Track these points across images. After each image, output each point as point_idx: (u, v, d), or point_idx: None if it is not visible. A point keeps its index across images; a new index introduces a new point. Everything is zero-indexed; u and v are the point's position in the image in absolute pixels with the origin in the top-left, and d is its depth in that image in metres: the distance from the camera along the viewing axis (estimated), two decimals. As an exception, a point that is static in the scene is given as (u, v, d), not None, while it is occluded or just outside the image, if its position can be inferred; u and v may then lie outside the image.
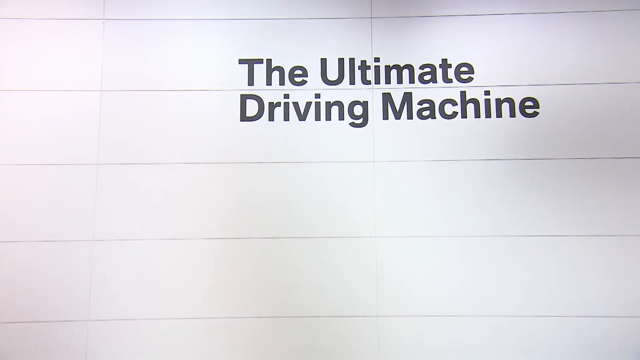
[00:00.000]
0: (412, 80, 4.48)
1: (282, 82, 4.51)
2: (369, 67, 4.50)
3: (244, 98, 4.49)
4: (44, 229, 4.24)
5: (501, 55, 4.49)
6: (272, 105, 4.48)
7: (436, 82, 4.47)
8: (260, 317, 4.19)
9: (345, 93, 4.48)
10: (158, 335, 4.18)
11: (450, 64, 4.49)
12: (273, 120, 4.48)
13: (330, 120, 4.47)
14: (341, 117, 4.46)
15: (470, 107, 4.43)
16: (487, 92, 4.43)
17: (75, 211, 4.28)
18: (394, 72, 4.50)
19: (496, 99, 4.43)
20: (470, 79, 4.47)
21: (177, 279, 4.26)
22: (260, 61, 4.52)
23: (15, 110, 4.37)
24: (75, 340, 4.15)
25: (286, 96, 4.50)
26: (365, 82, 4.50)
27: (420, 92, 4.47)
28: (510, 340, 4.11)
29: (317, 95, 4.49)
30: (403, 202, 4.35)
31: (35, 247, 4.21)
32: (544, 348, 4.07)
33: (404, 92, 4.46)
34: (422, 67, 4.49)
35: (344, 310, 4.21)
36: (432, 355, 4.13)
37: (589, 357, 4.03)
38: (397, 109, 4.46)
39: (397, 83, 4.49)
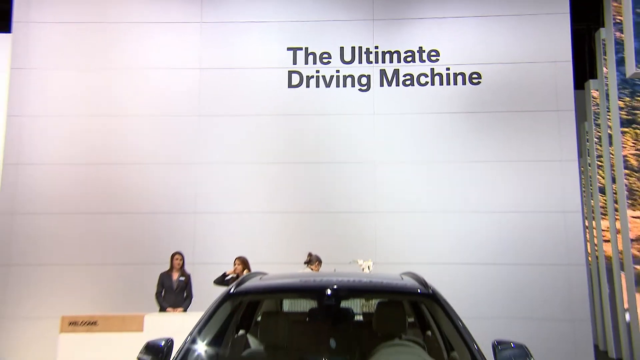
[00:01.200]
0: (399, 61, 6.84)
1: (314, 62, 6.88)
2: (371, 52, 6.86)
3: (290, 73, 6.87)
4: (165, 156, 6.70)
5: (457, 44, 6.83)
6: (308, 77, 6.87)
7: (415, 62, 6.82)
8: (299, 212, 6.65)
9: (356, 69, 6.85)
10: (238, 223, 6.65)
11: (424, 50, 6.83)
12: (309, 87, 6.86)
13: (345, 87, 6.84)
14: (352, 85, 6.84)
15: (437, 78, 6.79)
16: (448, 69, 6.79)
17: (183, 144, 6.75)
18: (387, 55, 6.85)
19: (454, 73, 6.78)
20: (437, 60, 6.82)
21: (248, 187, 6.72)
22: (300, 48, 6.89)
23: (145, 80, 6.82)
24: (187, 227, 6.64)
25: (317, 71, 6.88)
26: (369, 62, 6.87)
27: (404, 68, 6.83)
28: (457, 227, 6.53)
29: (337, 71, 6.87)
30: (393, 140, 6.75)
31: (163, 167, 6.70)
32: (480, 231, 6.49)
33: (394, 69, 6.83)
34: (405, 52, 6.84)
35: (355, 207, 6.64)
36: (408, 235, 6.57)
37: (507, 234, 6.45)
38: (389, 80, 6.83)
39: (389, 63, 6.85)
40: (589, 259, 8.58)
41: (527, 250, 6.44)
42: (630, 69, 5.88)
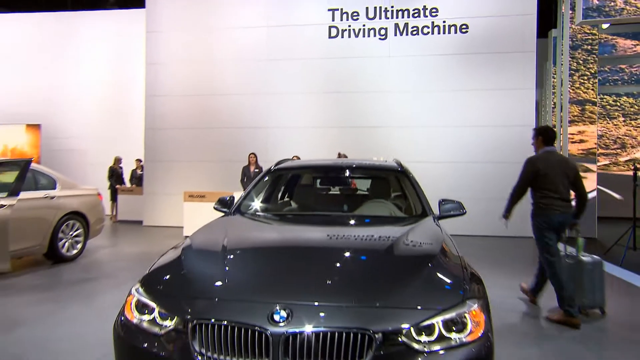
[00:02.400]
0: (408, 16, 9.38)
1: (347, 19, 9.60)
2: (388, 11, 9.44)
3: (329, 27, 9.67)
4: (246, 89, 9.96)
5: (452, 3, 9.20)
6: (342, 30, 9.64)
7: (420, 17, 9.33)
8: (336, 126, 9.73)
9: (377, 23, 9.50)
10: (294, 134, 9.90)
11: (427, 8, 9.29)
12: (343, 37, 9.65)
13: (369, 37, 9.55)
14: (374, 35, 9.53)
15: (436, 29, 9.30)
16: (444, 22, 9.25)
17: (258, 80, 9.94)
18: (400, 12, 9.40)
19: (448, 25, 9.24)
20: (436, 15, 9.27)
21: (300, 110, 9.87)
22: (337, 9, 9.61)
23: (233, 35, 9.97)
24: (260, 139, 9.98)
25: (349, 26, 9.61)
26: (386, 18, 9.47)
27: (412, 22, 9.38)
28: (447, 137, 9.33)
29: (364, 25, 9.56)
30: (403, 75, 9.49)
31: (246, 97, 9.99)
32: (463, 140, 9.26)
33: (404, 22, 9.40)
34: (413, 10, 9.35)
35: (374, 123, 9.60)
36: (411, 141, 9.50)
37: (483, 141, 9.19)
38: (401, 31, 9.44)
39: (402, 18, 9.41)
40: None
41: (496, 152, 9.17)
42: (578, 19, 8.11)
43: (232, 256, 2.17)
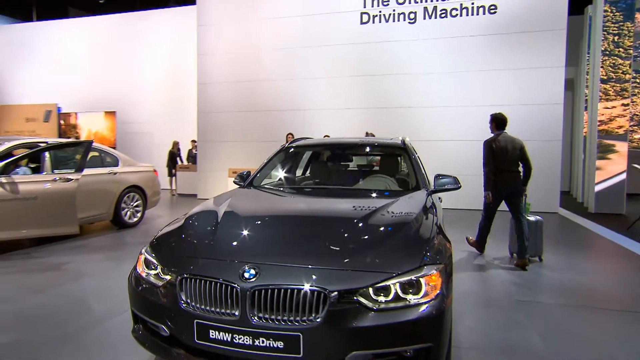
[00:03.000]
0: (437, 0, 9.12)
1: (378, 5, 9.51)
2: (417, -5, 9.23)
3: (361, 14, 9.64)
4: (285, 75, 10.24)
5: (481, -16, 8.82)
6: (373, 16, 9.58)
7: (448, 0, 9.04)
8: (366, 107, 9.81)
9: (406, 8, 9.33)
10: (328, 115, 10.10)
11: (455, -10, 8.98)
12: (374, 23, 9.60)
13: (399, 21, 9.43)
14: (404, 20, 9.39)
15: (464, 11, 8.98)
16: (472, 3, 8.90)
17: (296, 66, 10.18)
18: (429, -4, 9.17)
19: (477, 6, 8.89)
20: (465, -3, 8.94)
21: (335, 93, 10.02)
22: (369, -4, 9.55)
23: (276, 25, 10.23)
24: (298, 120, 10.29)
25: (380, 11, 9.53)
26: (416, 2, 9.27)
27: (441, 4, 9.12)
28: (473, 117, 9.11)
29: (394, 10, 9.43)
30: (431, 57, 9.31)
31: (286, 82, 10.29)
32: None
33: (433, 6, 9.16)
34: (441, -7, 9.08)
35: (403, 104, 9.57)
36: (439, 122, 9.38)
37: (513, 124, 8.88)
38: (430, 14, 9.22)
39: (430, 2, 9.17)
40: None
41: (524, 130, 8.75)
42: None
43: (223, 222, 2.38)
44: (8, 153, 4.78)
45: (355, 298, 1.74)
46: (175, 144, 12.05)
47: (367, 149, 4.22)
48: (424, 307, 1.78)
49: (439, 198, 3.46)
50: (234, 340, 1.75)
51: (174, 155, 11.94)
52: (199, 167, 11.11)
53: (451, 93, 9.27)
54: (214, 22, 10.71)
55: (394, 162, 4.11)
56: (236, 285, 1.79)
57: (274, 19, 10.29)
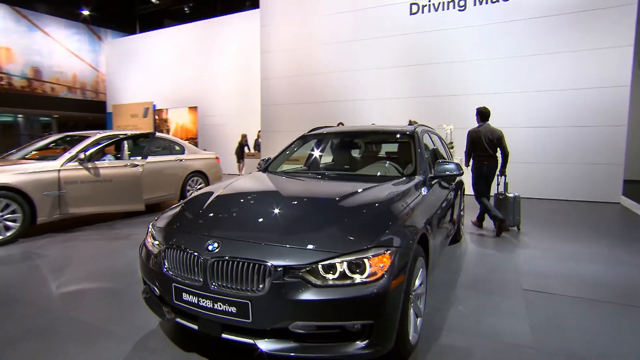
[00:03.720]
0: (488, -15, 8.35)
1: (427, -5, 8.99)
2: (467, -19, 8.53)
3: (410, 5, 9.19)
4: (337, 66, 10.19)
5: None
6: (423, 6, 9.07)
7: (500, -17, 8.23)
8: (415, 97, 9.40)
9: (456, -5, 8.71)
10: (377, 105, 9.86)
11: (509, -28, 8.13)
12: (423, 12, 9.10)
13: (448, 9, 8.82)
14: (453, 8, 8.76)
15: (518, -7, 8.12)
16: (527, -16, 8.00)
17: (347, 58, 10.06)
18: (479, -18, 8.43)
19: (532, -14, 7.97)
20: (519, -22, 8.06)
21: (384, 83, 9.74)
22: (417, -14, 9.05)
23: (336, 20, 10.19)
24: (349, 110, 10.20)
25: (429, 1, 9.00)
26: (466, -12, 8.59)
27: (492, -11, 8.34)
28: (531, 102, 8.26)
29: (443, -1, 8.85)
30: (481, 44, 8.61)
31: (337, 74, 10.24)
32: (543, 105, 8.13)
33: (484, -8, 8.41)
34: (493, -24, 8.28)
35: (453, 92, 9.01)
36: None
37: (568, 107, 7.95)
38: (479, 1, 8.48)
39: (481, -13, 8.43)
40: None
41: (583, 116, 7.84)
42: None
43: (211, 202, 2.48)
44: (95, 143, 5.47)
45: (299, 273, 1.78)
46: (244, 137, 12.68)
47: (376, 137, 4.10)
48: (366, 287, 1.76)
49: (459, 186, 3.26)
50: (199, 303, 1.89)
51: (242, 145, 12.61)
52: (262, 154, 11.59)
53: (503, 79, 8.49)
54: (275, 22, 10.98)
55: (400, 149, 3.93)
56: (200, 256, 1.92)
57: (328, 16, 10.24)
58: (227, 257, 1.87)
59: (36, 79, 17.55)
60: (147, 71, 16.98)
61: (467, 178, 5.14)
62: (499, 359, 2.18)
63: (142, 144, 6.95)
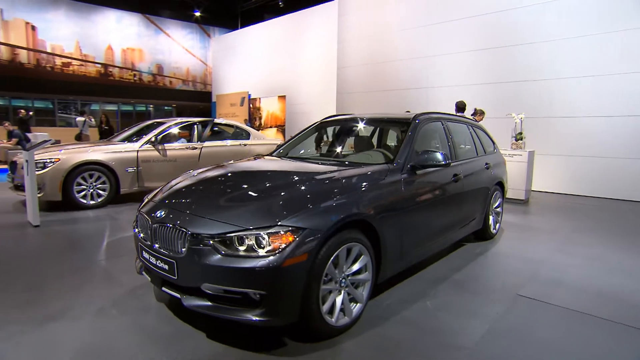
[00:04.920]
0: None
1: (511, -33, 8.04)
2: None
3: (492, -20, 8.34)
4: (413, 53, 9.82)
5: None
6: (506, -19, 8.16)
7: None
8: (492, 83, 8.56)
9: (546, -36, 7.61)
10: (453, 94, 9.25)
11: None
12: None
13: (536, -19, 7.78)
14: (542, -22, 7.69)
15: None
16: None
17: (418, 46, 9.62)
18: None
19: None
20: None
21: (458, 68, 9.08)
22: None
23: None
24: (422, 98, 9.78)
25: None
26: (559, -46, 7.44)
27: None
28: (622, 88, 6.90)
29: (530, -31, 7.82)
30: (568, 20, 7.41)
31: (416, 60, 9.90)
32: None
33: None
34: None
35: (533, 76, 7.99)
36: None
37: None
38: None
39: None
40: None
41: None
42: None
43: (194, 177, 2.78)
44: (165, 129, 6.46)
45: (210, 242, 2.03)
46: (321, 122, 13.16)
47: (378, 125, 4.04)
48: (261, 260, 1.94)
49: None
50: (149, 259, 2.30)
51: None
52: (335, 143, 11.91)
53: (596, 60, 7.21)
54: (352, 11, 11.05)
55: (399, 138, 3.71)
56: (149, 221, 2.32)
57: (401, 2, 9.90)
58: (162, 223, 2.23)
59: (159, 74, 20.72)
60: (245, 63, 18.59)
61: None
62: (420, 353, 2.13)
63: (221, 129, 7.85)
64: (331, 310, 2.21)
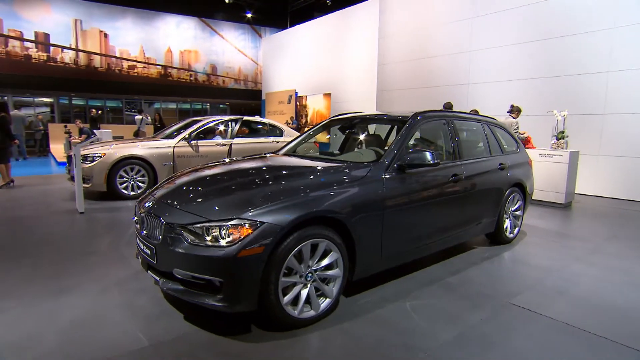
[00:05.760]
0: None
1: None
2: None
3: (541, -34, 7.75)
4: (451, 48, 9.45)
5: None
6: (557, -34, 7.54)
7: None
8: (541, 77, 7.97)
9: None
10: (496, 90, 8.76)
11: None
12: None
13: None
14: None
15: None
16: None
17: (460, 40, 9.22)
18: None
19: None
20: None
21: (503, 63, 8.57)
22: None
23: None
24: (463, 95, 9.36)
25: (565, -42, 7.42)
26: None
27: None
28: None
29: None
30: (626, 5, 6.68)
31: (452, 56, 9.52)
32: None
33: None
34: None
35: (588, 68, 7.32)
36: None
37: None
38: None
39: None
40: None
41: None
42: None
43: (189, 173, 2.98)
44: (199, 127, 6.90)
45: (180, 231, 2.21)
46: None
47: (377, 123, 4.02)
48: (219, 250, 2.08)
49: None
50: (140, 245, 2.55)
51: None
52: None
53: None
54: (393, 7, 10.87)
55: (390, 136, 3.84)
56: (139, 210, 2.58)
57: (445, -7, 9.56)
58: (148, 213, 2.47)
59: (213, 74, 21.88)
60: (292, 62, 19.00)
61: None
62: (378, 352, 2.14)
63: (255, 127, 8.22)
64: (296, 303, 2.30)
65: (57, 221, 4.80)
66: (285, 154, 3.73)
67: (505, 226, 4.05)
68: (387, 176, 2.79)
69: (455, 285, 3.05)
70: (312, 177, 2.64)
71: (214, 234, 2.13)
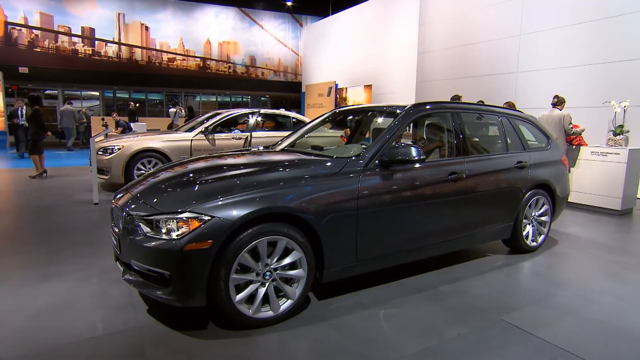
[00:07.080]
0: None
1: None
2: None
3: None
4: (500, 34, 8.94)
5: None
6: None
7: None
8: (601, 63, 7.31)
9: None
10: (549, 78, 8.19)
11: None
12: None
13: None
14: None
15: None
16: None
17: (508, 23, 8.70)
18: None
19: None
20: None
21: (556, 48, 7.97)
22: None
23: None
24: (511, 84, 8.84)
25: None
26: None
27: None
28: None
29: None
30: None
31: (499, 41, 9.03)
32: None
33: None
34: None
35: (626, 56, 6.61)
36: None
37: None
38: None
39: None
40: None
41: None
42: None
43: (176, 167, 3.07)
44: (217, 120, 7.16)
45: (137, 221, 2.35)
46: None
47: (373, 115, 4.02)
48: (167, 243, 2.18)
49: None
50: (112, 235, 2.74)
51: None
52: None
53: None
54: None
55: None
56: (113, 202, 2.75)
57: None
58: (116, 204, 2.64)
59: (252, 65, 22.51)
60: (333, 52, 19.03)
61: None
62: (313, 354, 2.13)
63: (280, 120, 8.39)
64: (252, 302, 2.35)
65: (71, 211, 5.26)
66: (282, 149, 3.75)
67: (525, 233, 3.80)
68: (365, 172, 2.74)
69: (445, 295, 2.93)
70: (280, 172, 2.67)
71: (168, 226, 2.23)
